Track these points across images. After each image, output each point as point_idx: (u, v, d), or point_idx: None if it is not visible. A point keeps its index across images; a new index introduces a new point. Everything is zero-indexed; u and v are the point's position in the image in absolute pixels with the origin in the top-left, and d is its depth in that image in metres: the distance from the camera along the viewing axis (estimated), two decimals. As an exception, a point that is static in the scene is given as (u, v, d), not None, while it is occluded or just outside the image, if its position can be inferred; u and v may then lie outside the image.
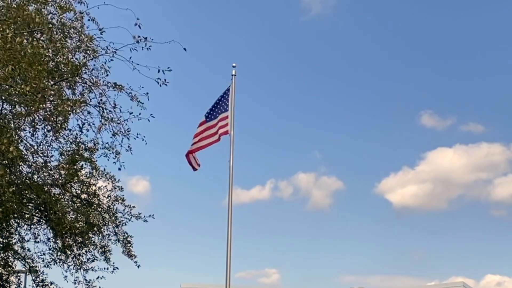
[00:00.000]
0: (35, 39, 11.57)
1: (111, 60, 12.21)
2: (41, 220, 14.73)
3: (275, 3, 61.62)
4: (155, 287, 55.04)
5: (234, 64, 16.94)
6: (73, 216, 14.25)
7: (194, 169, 16.52)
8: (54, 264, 15.12)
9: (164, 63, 11.87)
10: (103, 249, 14.83)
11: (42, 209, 14.10)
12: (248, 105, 54.91)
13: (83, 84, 12.91)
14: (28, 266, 15.19)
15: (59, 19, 12.46)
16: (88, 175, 14.34)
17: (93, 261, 14.96)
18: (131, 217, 14.72)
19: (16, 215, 13.70)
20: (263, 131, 62.25)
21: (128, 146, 12.99)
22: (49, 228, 14.68)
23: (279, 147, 63.03)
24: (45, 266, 15.11)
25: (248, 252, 53.11)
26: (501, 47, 60.36)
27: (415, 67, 62.69)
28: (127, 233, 14.94)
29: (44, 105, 11.64)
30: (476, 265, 58.38)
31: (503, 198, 57.73)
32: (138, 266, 15.12)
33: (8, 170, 11.96)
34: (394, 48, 63.65)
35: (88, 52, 12.55)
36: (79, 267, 14.94)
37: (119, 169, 13.28)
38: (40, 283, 14.93)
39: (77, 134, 13.35)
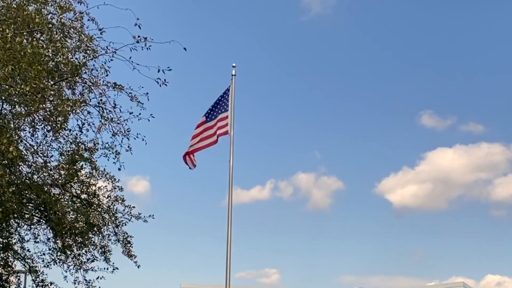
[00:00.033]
0: (35, 39, 11.56)
1: (111, 60, 12.23)
2: (41, 220, 14.72)
3: (275, 3, 61.70)
4: (155, 287, 55.14)
5: (234, 64, 16.96)
6: (73, 216, 14.25)
7: (190, 168, 16.51)
8: (54, 264, 15.12)
9: (164, 63, 11.89)
10: (103, 249, 14.83)
11: (42, 209, 14.10)
12: (248, 105, 55.01)
13: (83, 84, 12.91)
14: (28, 266, 15.18)
15: (59, 19, 12.45)
16: (88, 175, 14.33)
17: (93, 261, 14.96)
18: (131, 217, 14.73)
19: (16, 215, 13.69)
20: (263, 131, 62.35)
21: (128, 146, 13.00)
22: (49, 228, 14.67)
23: (279, 147, 63.13)
24: (45, 266, 15.13)
25: (248, 252, 53.17)
26: (501, 47, 60.50)
27: (415, 67, 62.80)
28: (127, 233, 14.95)
29: (44, 105, 11.63)
30: (476, 265, 58.50)
31: (503, 198, 57.81)
32: (138, 266, 15.14)
33: (8, 170, 11.95)
34: (394, 48, 63.76)
35: (88, 52, 12.55)
36: (79, 267, 14.93)
37: (119, 169, 13.29)
38: (40, 283, 14.92)
39: (77, 134, 13.35)
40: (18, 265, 15.56)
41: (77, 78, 12.54)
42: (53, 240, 14.89)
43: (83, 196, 14.58)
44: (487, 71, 61.90)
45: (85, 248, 14.78)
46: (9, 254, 15.00)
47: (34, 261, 15.15)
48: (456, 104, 64.47)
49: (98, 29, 12.18)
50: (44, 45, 11.48)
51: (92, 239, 14.66)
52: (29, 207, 13.97)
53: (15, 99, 11.17)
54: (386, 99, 63.20)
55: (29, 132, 13.34)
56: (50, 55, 12.02)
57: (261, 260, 60.59)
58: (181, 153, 16.45)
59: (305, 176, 60.25)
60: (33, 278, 14.98)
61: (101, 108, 12.67)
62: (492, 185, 58.52)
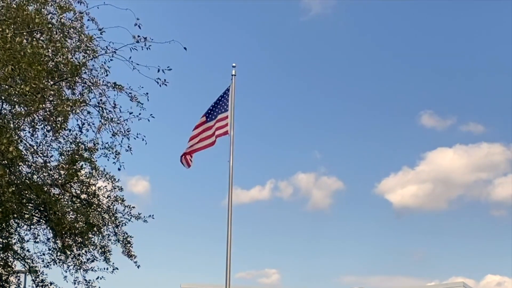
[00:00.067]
0: (34, 39, 11.55)
1: (111, 60, 12.22)
2: (41, 220, 14.72)
3: (275, 3, 61.69)
4: (155, 287, 55.12)
5: (234, 64, 16.94)
6: (73, 216, 14.24)
7: (186, 167, 16.48)
8: (54, 264, 15.11)
9: (164, 63, 11.87)
10: (103, 249, 14.82)
11: (41, 209, 14.10)
12: (248, 105, 54.98)
13: (82, 84, 12.90)
14: (27, 266, 15.17)
15: (58, 19, 12.44)
16: (88, 175, 14.32)
17: (93, 261, 14.96)
18: (131, 217, 14.72)
19: (15, 215, 13.68)
20: (263, 131, 62.39)
21: (128, 146, 12.99)
22: (48, 228, 14.67)
23: (279, 147, 63.16)
24: (44, 266, 15.12)
25: (248, 252, 53.15)
26: (501, 47, 60.43)
27: (415, 67, 62.84)
28: (127, 233, 14.94)
29: (43, 105, 11.63)
30: (476, 265, 58.50)
31: (503, 198, 57.81)
32: (138, 267, 15.13)
33: (7, 170, 11.95)
34: (394, 48, 63.77)
35: (87, 52, 12.54)
36: (79, 267, 14.93)
37: (119, 169, 13.28)
38: (39, 283, 14.92)
39: (76, 134, 13.34)
40: (18, 265, 15.58)
41: (77, 78, 12.53)
42: (53, 240, 14.89)
43: (83, 196, 14.57)
44: (487, 71, 62.01)
45: (85, 248, 14.77)
46: (9, 254, 14.99)
47: (34, 261, 15.16)
48: (456, 104, 64.62)
49: (98, 29, 12.18)
50: (44, 45, 11.47)
51: (92, 239, 14.65)
52: (29, 207, 13.96)
53: (15, 99, 11.16)
54: (386, 99, 63.33)
55: (29, 132, 13.35)
56: (50, 55, 12.01)
57: (261, 260, 60.65)
58: (181, 153, 16.44)
59: (305, 176, 60.35)
60: (33, 278, 14.98)
61: (101, 108, 12.66)
62: (492, 185, 58.68)
